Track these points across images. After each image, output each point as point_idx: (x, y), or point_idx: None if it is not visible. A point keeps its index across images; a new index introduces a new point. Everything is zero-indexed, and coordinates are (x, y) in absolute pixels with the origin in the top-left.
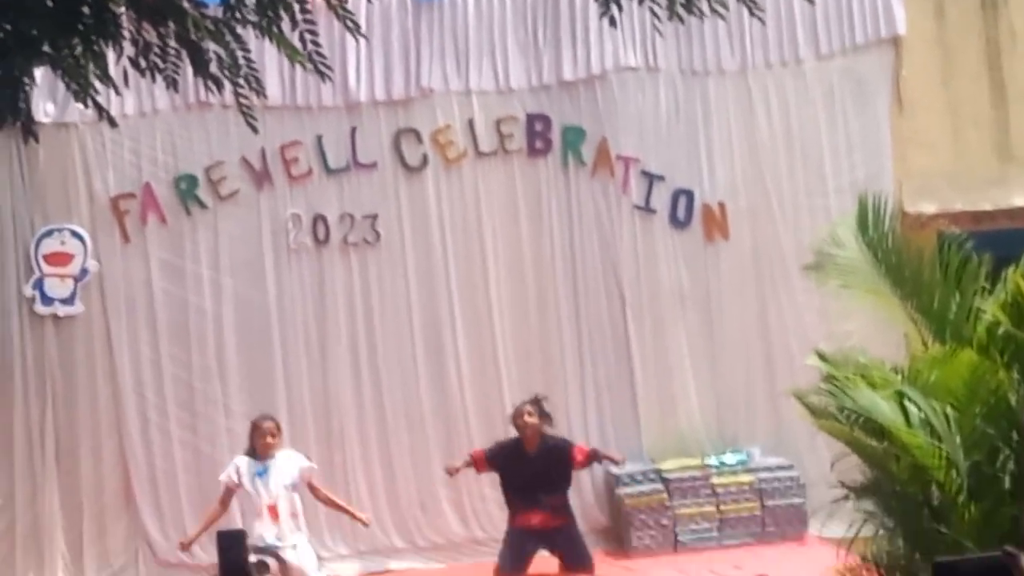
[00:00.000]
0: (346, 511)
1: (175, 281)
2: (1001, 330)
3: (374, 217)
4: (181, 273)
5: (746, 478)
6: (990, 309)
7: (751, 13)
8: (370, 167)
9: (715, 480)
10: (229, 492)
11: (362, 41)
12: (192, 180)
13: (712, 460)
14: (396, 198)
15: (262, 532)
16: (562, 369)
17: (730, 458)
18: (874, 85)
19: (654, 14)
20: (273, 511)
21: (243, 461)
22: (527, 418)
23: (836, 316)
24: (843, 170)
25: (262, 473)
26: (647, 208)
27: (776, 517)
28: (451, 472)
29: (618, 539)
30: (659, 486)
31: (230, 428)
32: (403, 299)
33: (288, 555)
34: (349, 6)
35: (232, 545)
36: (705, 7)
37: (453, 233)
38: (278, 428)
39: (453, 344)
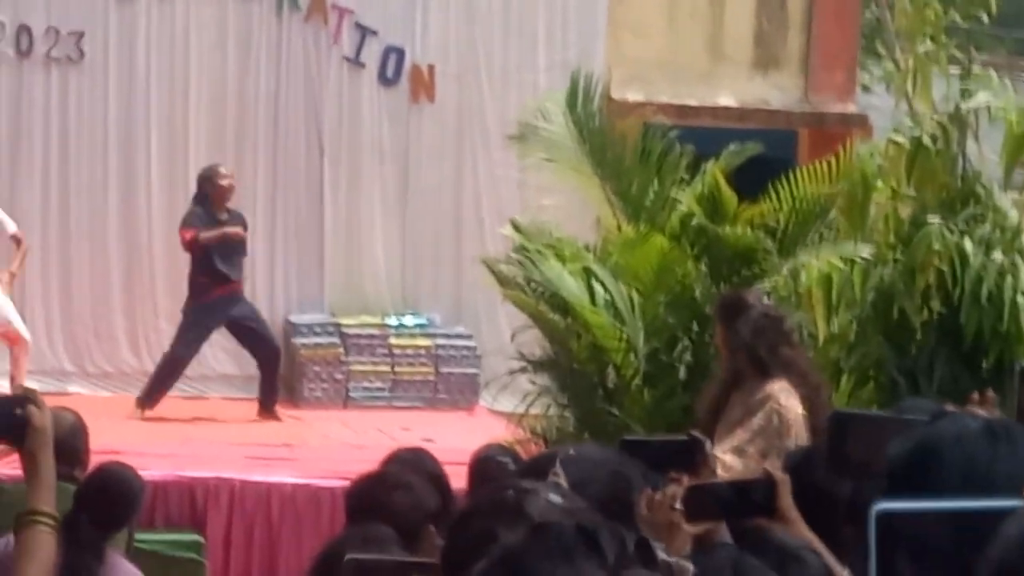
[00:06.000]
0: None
1: None
2: (694, 222)
3: (80, 34)
4: None
5: (423, 342)
6: (686, 200)
7: None
8: None
9: (393, 341)
10: None
11: None
12: None
13: (392, 320)
14: (104, 17)
15: None
16: (252, 212)
17: (410, 320)
18: None
19: None
20: None
21: None
22: (230, 180)
23: (533, 191)
24: (556, 48)
25: None
26: (357, 62)
27: (449, 384)
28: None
29: (289, 389)
30: (336, 340)
31: None
32: (100, 121)
33: None
34: None
35: None
36: None
37: (159, 61)
38: None
39: (146, 173)
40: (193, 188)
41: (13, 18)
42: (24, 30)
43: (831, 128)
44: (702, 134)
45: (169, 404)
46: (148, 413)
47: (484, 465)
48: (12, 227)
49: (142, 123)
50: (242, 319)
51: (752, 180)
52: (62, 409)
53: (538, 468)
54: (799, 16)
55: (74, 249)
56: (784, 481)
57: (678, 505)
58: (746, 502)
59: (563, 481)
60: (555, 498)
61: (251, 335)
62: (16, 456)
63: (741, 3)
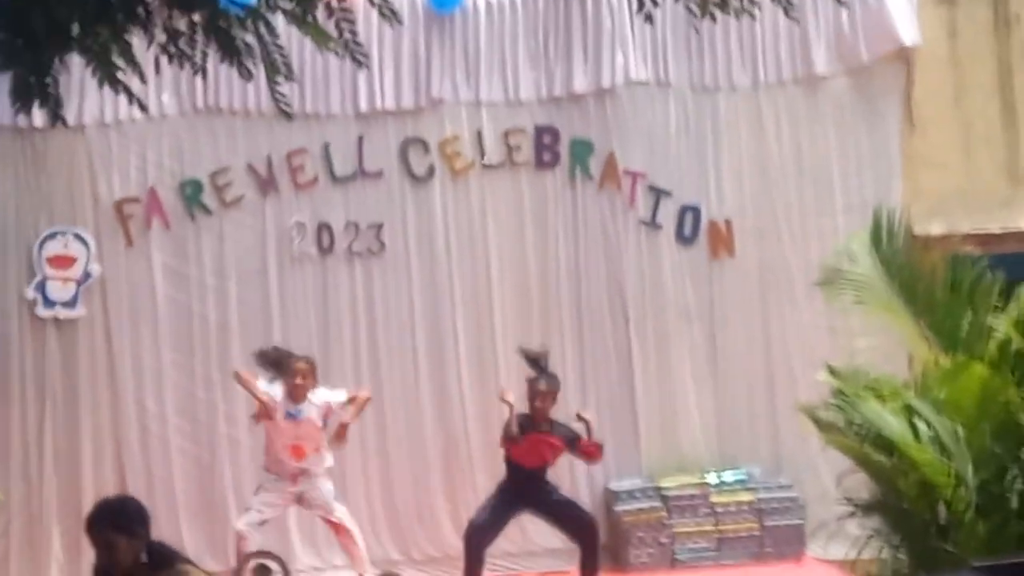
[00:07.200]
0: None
1: (178, 287)
2: (1013, 347)
3: (379, 226)
4: (185, 279)
5: (745, 497)
6: (1002, 326)
7: (787, 14)
8: (376, 176)
9: (714, 498)
10: (267, 408)
11: (372, 48)
12: (197, 185)
13: (711, 478)
14: (402, 208)
15: (281, 463)
16: (564, 383)
17: (729, 476)
18: (885, 103)
19: (690, 11)
20: (297, 450)
21: (278, 392)
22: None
23: (841, 334)
24: (852, 189)
25: (293, 415)
26: (653, 223)
27: (775, 537)
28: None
29: (615, 556)
30: (658, 503)
31: (232, 436)
32: (406, 309)
33: (308, 488)
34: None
35: None
36: (738, 3)
37: (458, 244)
38: (312, 369)
39: (455, 356)
40: (503, 366)
41: (312, 217)
42: (324, 228)
43: None
44: (1009, 260)
45: None
46: None
47: None
48: (342, 395)
49: (447, 305)
50: (547, 499)
51: None
52: None
53: None
54: None
55: (391, 435)
56: None
57: None
58: None
59: None
60: None
61: (559, 511)
62: None
63: None
